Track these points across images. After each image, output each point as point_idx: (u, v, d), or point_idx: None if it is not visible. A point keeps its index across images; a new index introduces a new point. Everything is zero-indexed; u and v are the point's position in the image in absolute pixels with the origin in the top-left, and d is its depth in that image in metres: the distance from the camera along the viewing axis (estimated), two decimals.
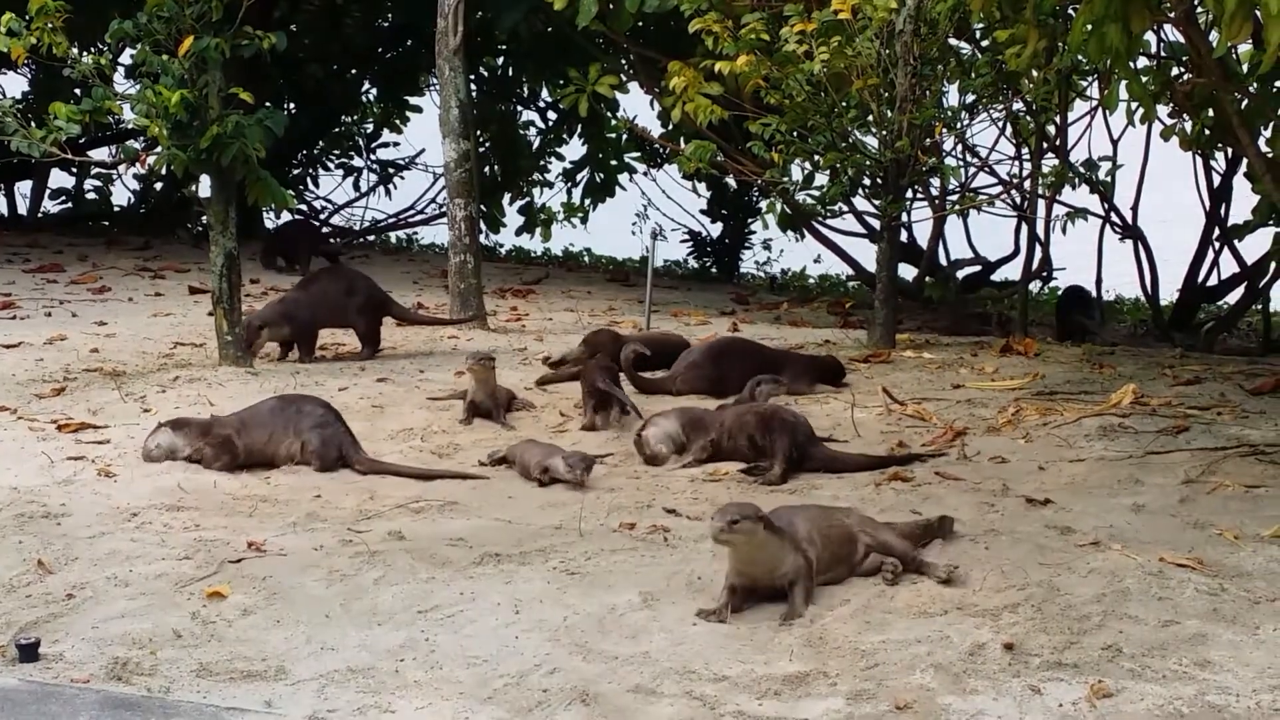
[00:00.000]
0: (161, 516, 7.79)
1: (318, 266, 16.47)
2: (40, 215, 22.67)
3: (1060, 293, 16.44)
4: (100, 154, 21.71)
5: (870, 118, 12.88)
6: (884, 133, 12.79)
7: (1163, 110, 12.95)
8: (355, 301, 12.00)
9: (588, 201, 21.37)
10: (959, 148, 15.26)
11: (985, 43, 13.83)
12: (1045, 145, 14.52)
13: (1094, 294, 15.99)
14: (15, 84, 23.35)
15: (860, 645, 6.07)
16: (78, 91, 15.45)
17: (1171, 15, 9.24)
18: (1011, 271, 16.77)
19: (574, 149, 21.77)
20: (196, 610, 6.47)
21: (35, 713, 5.47)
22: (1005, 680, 5.71)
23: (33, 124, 10.87)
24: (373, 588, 6.75)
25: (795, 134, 13.13)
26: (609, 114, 19.51)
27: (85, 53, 13.50)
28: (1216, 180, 15.37)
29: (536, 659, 5.97)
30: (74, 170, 22.61)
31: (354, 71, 22.94)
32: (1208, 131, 12.88)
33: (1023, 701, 5.54)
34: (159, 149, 11.03)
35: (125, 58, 18.40)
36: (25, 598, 6.65)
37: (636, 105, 19.72)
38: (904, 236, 15.92)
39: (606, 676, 5.79)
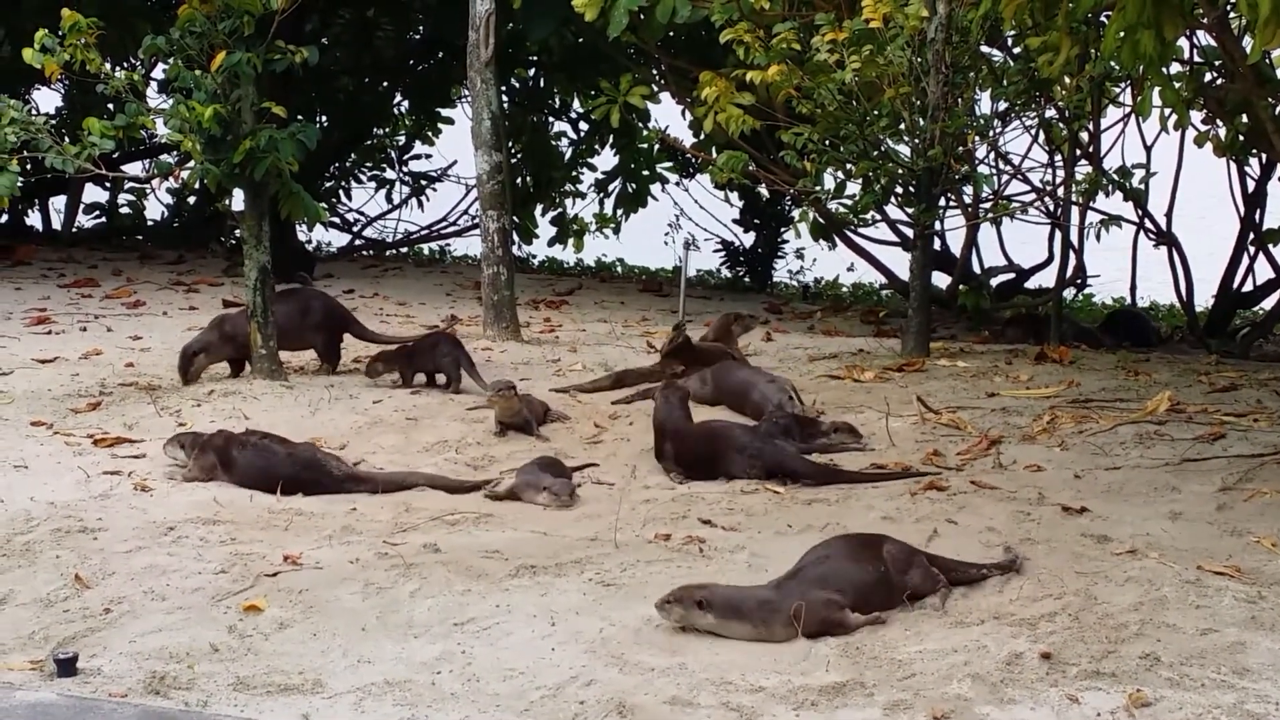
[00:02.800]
0: (198, 530, 7.81)
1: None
2: (74, 230, 22.74)
3: (1111, 315, 16.41)
4: (134, 169, 21.81)
5: (902, 126, 12.86)
6: (916, 141, 12.76)
7: (1196, 116, 12.93)
8: (311, 320, 11.80)
9: (620, 212, 21.33)
10: (992, 155, 15.23)
11: (1017, 50, 13.82)
12: (1078, 152, 14.48)
13: (1145, 319, 15.98)
14: (49, 100, 23.44)
15: (897, 655, 6.06)
16: (110, 107, 15.51)
17: (1205, 21, 9.22)
18: (1045, 279, 16.72)
19: (606, 160, 21.74)
20: (233, 624, 6.49)
21: None
22: (1043, 690, 5.70)
23: (66, 140, 10.91)
24: (409, 600, 6.76)
25: (827, 143, 13.13)
26: (640, 125, 19.54)
27: (118, 68, 13.56)
28: (1251, 186, 15.32)
29: (573, 671, 5.97)
30: (107, 185, 22.68)
31: (385, 84, 22.95)
32: (1241, 137, 12.86)
33: (1061, 711, 5.53)
34: (192, 164, 11.06)
35: (158, 72, 18.57)
36: (63, 612, 6.68)
37: (668, 116, 19.72)
38: (937, 245, 15.89)
39: (643, 688, 5.79)
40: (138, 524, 7.91)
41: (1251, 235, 15.49)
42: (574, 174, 21.90)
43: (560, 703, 5.69)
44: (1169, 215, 15.23)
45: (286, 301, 11.73)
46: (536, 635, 6.35)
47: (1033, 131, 15.00)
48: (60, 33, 10.68)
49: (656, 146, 20.38)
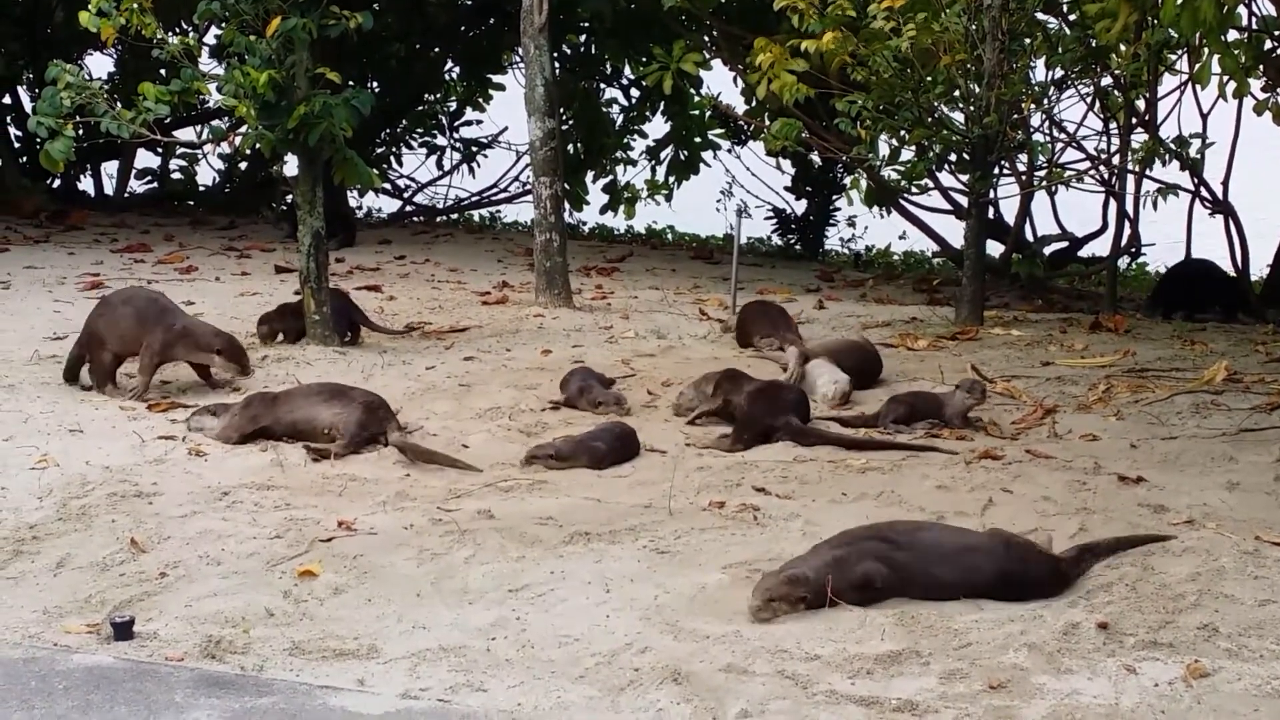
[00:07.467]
0: (252, 495, 7.84)
1: None
2: (126, 195, 22.82)
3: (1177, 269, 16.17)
4: (185, 134, 21.86)
5: (957, 93, 12.80)
6: (971, 108, 12.71)
7: (1255, 84, 12.82)
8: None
9: (672, 179, 21.26)
10: (1047, 123, 15.15)
11: (1074, 17, 13.72)
12: (1134, 120, 14.39)
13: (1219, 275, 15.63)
14: (100, 65, 23.49)
15: (953, 624, 6.03)
16: (164, 72, 15.53)
17: None
18: (1099, 247, 16.63)
19: (657, 126, 21.66)
20: (288, 589, 6.51)
21: (131, 690, 5.51)
22: (1100, 660, 5.66)
23: (120, 105, 10.93)
24: (463, 566, 6.76)
25: (882, 110, 13.07)
26: (693, 91, 19.47)
27: (172, 33, 13.57)
28: None
29: (628, 638, 5.97)
30: (159, 150, 22.73)
31: (437, 50, 22.91)
32: None
33: (1118, 681, 5.49)
34: (246, 129, 11.07)
35: (210, 37, 18.60)
36: (119, 576, 6.71)
37: (720, 82, 19.68)
38: (991, 213, 15.81)
39: (698, 655, 5.78)
40: (192, 489, 7.94)
41: None
42: (625, 141, 21.82)
43: (615, 669, 5.68)
44: (1225, 184, 15.11)
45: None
46: (591, 602, 6.34)
47: (1088, 99, 14.92)
48: None
49: (709, 113, 20.33)
